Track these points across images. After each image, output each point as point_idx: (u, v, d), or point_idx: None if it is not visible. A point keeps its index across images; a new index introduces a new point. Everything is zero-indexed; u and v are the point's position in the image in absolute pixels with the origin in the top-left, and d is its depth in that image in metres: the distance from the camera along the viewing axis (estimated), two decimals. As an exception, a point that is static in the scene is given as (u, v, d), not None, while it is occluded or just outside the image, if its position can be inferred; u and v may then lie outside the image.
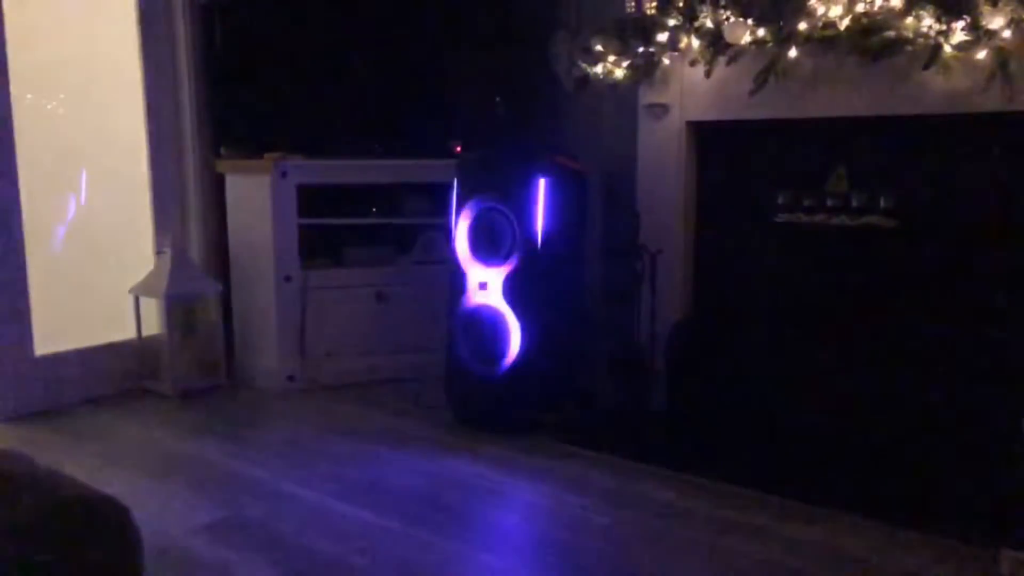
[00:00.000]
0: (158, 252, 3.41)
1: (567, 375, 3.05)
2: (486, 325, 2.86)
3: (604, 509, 2.31)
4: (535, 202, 2.76)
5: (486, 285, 2.86)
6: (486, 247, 2.87)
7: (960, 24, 2.29)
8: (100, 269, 3.44)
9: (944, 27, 2.32)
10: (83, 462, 2.58)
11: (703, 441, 2.74)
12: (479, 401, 2.93)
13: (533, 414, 2.89)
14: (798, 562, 2.00)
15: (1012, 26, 2.24)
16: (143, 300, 3.33)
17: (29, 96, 3.11)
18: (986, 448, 2.39)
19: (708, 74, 2.79)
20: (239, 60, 3.48)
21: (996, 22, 2.25)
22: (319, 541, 2.12)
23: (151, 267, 3.39)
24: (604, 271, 3.34)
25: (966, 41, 2.30)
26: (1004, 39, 2.26)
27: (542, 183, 2.76)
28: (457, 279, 2.94)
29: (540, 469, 2.58)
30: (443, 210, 3.20)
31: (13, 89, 2.94)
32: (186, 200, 3.55)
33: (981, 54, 2.30)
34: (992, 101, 2.33)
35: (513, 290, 2.81)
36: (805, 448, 2.58)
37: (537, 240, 2.77)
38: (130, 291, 3.32)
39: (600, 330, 3.26)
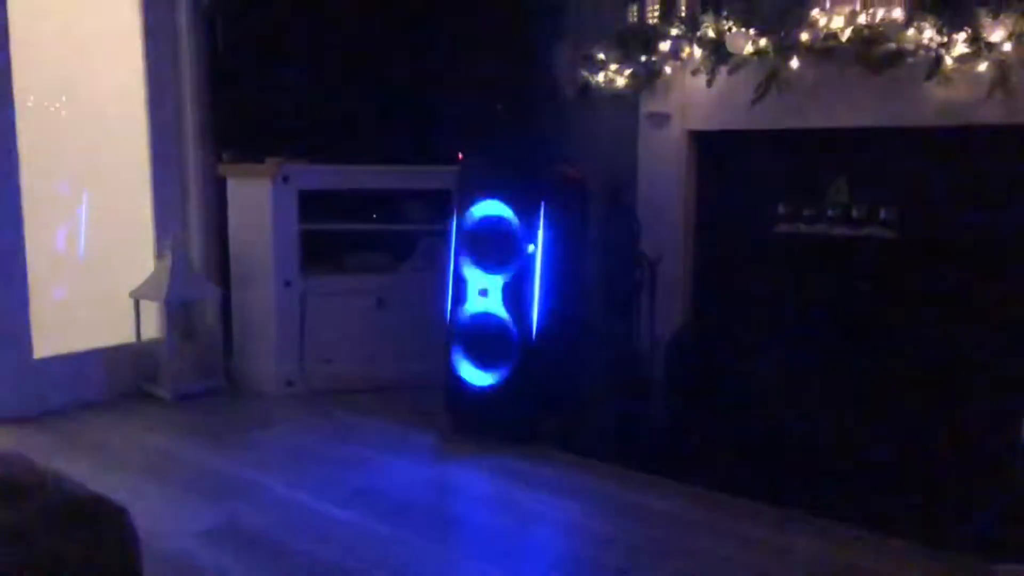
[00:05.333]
0: (158, 256, 3.41)
1: (566, 383, 3.05)
2: (486, 332, 2.86)
3: (603, 518, 2.30)
4: (536, 210, 2.76)
5: (486, 292, 2.86)
6: (486, 254, 2.87)
7: (961, 36, 2.31)
8: (100, 272, 3.44)
9: (945, 39, 2.33)
10: (81, 465, 2.57)
11: (702, 450, 2.73)
12: (478, 408, 2.93)
13: (532, 422, 2.89)
14: (796, 572, 2.00)
15: (1013, 39, 2.25)
16: (143, 304, 3.33)
17: (31, 99, 3.11)
18: (984, 461, 2.39)
19: (710, 83, 2.80)
20: (241, 65, 3.49)
21: (997, 34, 2.26)
22: (316, 546, 2.11)
23: (151, 270, 3.39)
24: (604, 279, 3.34)
25: (967, 53, 2.31)
26: (1005, 51, 2.28)
27: (543, 191, 2.76)
28: (457, 286, 2.94)
29: (539, 477, 2.58)
30: (444, 217, 3.20)
31: (15, 92, 2.94)
32: (187, 204, 3.55)
33: (982, 66, 2.31)
34: (993, 113, 2.34)
35: (513, 297, 2.81)
36: (804, 458, 2.58)
37: (537, 248, 2.77)
38: (130, 294, 3.32)
39: (599, 338, 3.26)
